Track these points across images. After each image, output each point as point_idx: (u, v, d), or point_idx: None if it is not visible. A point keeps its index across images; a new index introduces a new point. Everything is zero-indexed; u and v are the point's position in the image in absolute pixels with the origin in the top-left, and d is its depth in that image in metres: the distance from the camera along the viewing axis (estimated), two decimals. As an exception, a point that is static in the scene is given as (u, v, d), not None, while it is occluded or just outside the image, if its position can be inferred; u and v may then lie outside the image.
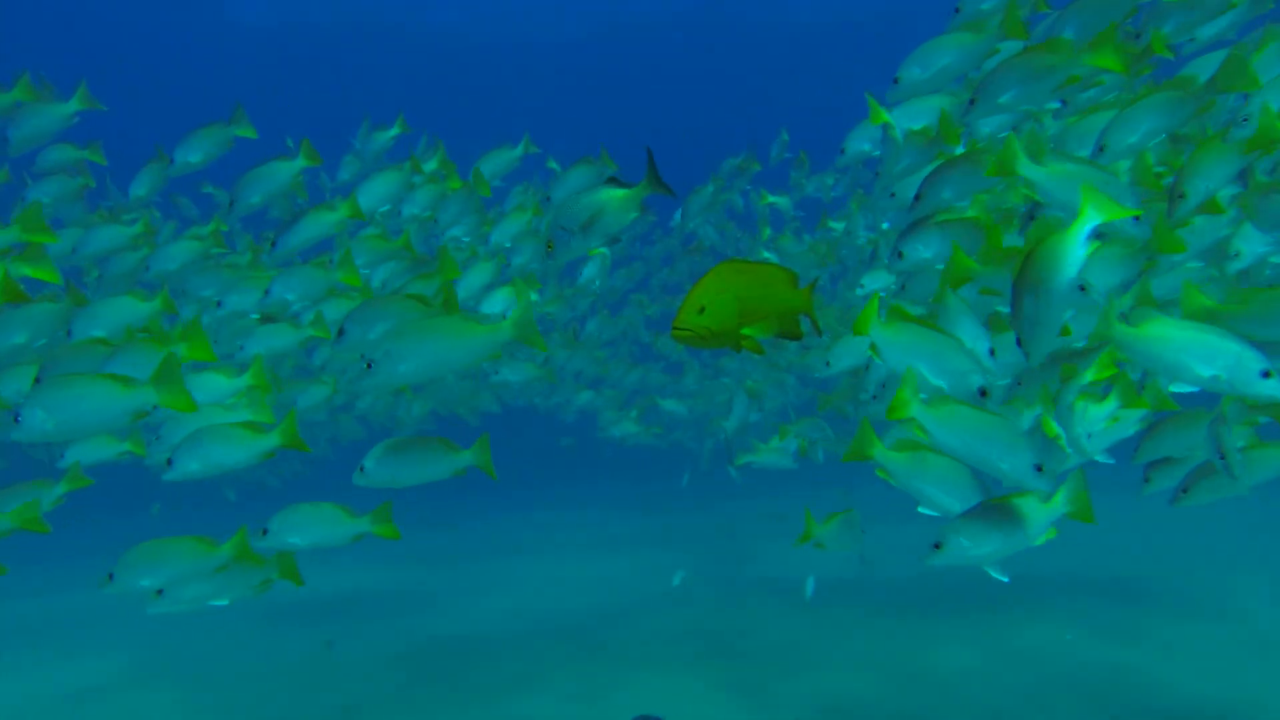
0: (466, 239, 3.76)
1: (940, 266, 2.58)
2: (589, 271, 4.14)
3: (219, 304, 3.15)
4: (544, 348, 2.31)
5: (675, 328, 1.81)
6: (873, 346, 2.13)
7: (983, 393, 2.03)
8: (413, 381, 2.27)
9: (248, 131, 3.23)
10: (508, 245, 3.66)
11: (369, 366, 2.13)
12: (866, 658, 4.53)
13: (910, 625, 5.03)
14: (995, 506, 2.14)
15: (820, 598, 5.59)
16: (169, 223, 4.42)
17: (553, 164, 4.82)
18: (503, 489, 11.80)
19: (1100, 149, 2.36)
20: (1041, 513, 2.15)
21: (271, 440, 2.46)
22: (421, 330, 2.18)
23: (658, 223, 5.88)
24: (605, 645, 5.04)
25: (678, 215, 4.28)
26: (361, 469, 2.42)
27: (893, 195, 2.83)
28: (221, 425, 2.47)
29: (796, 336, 1.98)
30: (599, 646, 5.02)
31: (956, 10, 2.51)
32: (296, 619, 6.11)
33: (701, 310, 1.80)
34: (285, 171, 3.09)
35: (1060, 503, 2.15)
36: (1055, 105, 2.82)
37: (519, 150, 3.94)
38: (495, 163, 3.89)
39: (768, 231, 4.92)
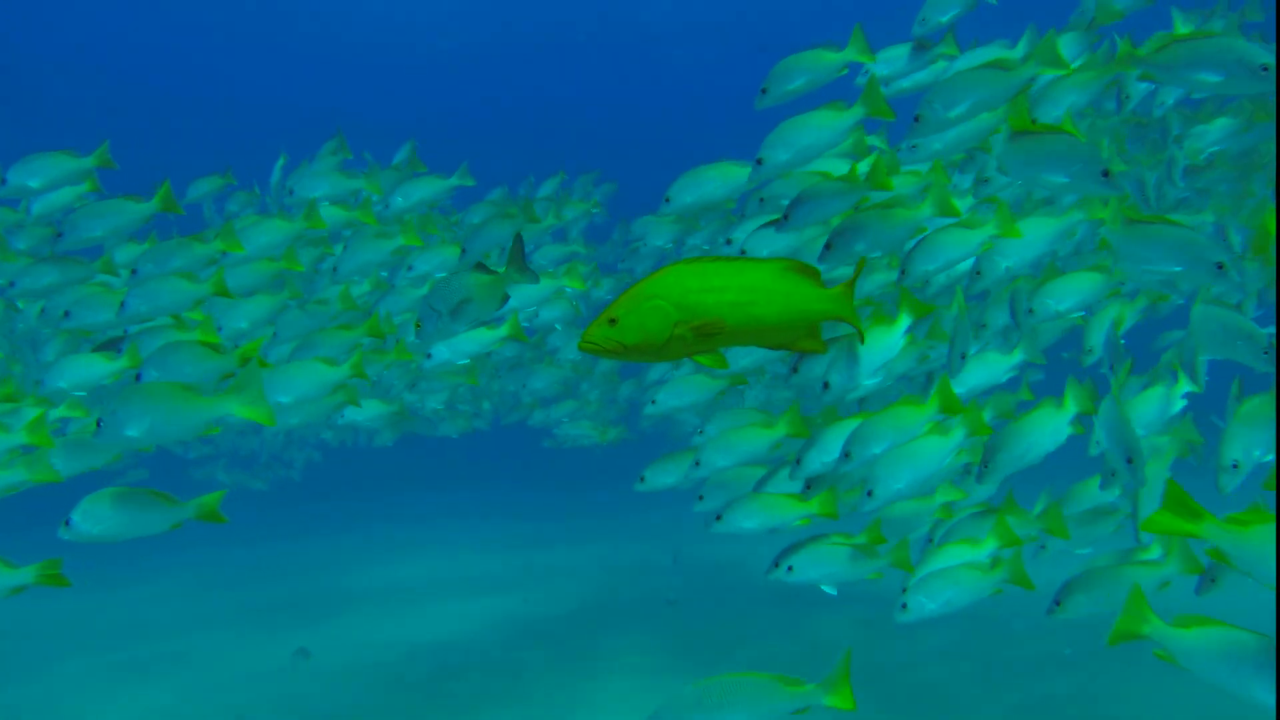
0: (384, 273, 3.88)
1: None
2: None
3: (66, 314, 3.17)
4: (271, 421, 2.40)
5: (581, 339, 1.62)
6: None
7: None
8: (142, 444, 2.40)
9: (105, 164, 3.29)
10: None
11: (98, 425, 2.31)
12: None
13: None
14: (950, 570, 2.51)
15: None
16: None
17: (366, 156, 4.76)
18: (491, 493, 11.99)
19: (916, 119, 2.46)
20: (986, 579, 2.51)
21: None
22: (146, 397, 2.32)
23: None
24: (591, 652, 5.16)
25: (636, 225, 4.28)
26: (67, 523, 2.37)
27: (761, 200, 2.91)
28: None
29: (814, 348, 1.70)
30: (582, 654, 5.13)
31: (917, 119, 2.54)
32: (275, 622, 6.30)
33: (613, 322, 1.58)
34: (132, 212, 3.12)
35: (1001, 573, 2.51)
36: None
37: (453, 180, 3.93)
38: (423, 193, 3.89)
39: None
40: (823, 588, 2.74)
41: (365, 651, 5.52)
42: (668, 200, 2.88)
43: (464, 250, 4.12)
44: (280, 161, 4.96)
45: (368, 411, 4.31)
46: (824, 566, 2.68)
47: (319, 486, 10.78)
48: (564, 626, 5.87)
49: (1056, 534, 2.66)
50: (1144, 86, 3.24)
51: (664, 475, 3.18)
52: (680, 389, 3.19)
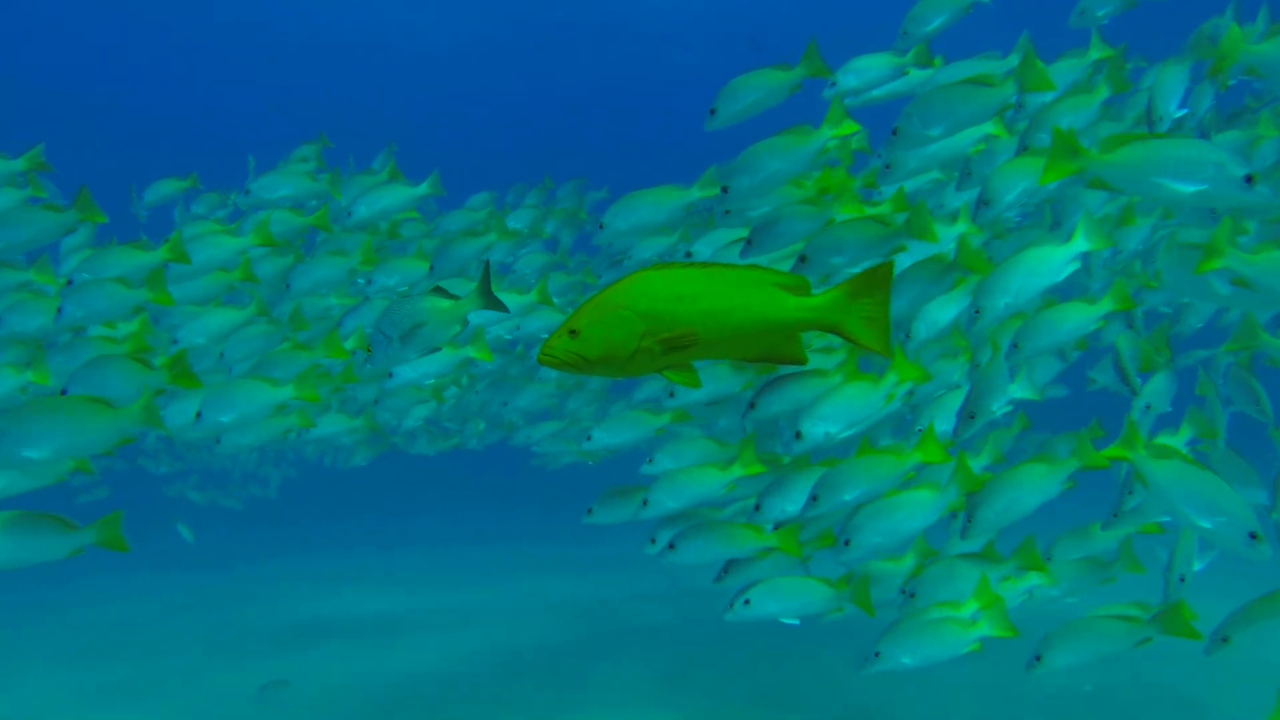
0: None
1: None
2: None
3: None
4: (166, 430, 2.35)
5: (540, 352, 1.53)
6: (1139, 475, 2.02)
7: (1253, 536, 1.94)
8: (43, 460, 2.31)
9: (38, 167, 3.22)
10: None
11: None
12: None
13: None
14: (926, 621, 2.45)
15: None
16: None
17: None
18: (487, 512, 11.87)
19: (893, 132, 2.39)
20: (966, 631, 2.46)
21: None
22: (42, 412, 2.24)
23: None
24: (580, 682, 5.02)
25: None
26: None
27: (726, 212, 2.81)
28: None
29: (793, 360, 1.60)
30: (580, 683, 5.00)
31: (894, 132, 2.48)
32: (249, 649, 6.17)
33: (574, 333, 1.48)
34: (48, 221, 3.04)
35: (984, 625, 2.45)
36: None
37: (422, 188, 3.82)
38: (387, 202, 3.78)
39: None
40: (783, 620, 2.71)
41: (343, 681, 5.39)
42: (602, 226, 2.84)
43: (432, 268, 4.03)
44: (251, 164, 4.88)
45: (331, 428, 4.21)
46: (784, 600, 2.64)
47: (297, 505, 10.68)
48: (550, 657, 5.74)
49: (1042, 578, 2.58)
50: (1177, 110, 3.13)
51: (613, 511, 3.06)
52: (618, 425, 3.08)
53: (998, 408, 2.42)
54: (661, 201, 2.89)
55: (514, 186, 5.75)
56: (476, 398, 5.54)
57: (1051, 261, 2.54)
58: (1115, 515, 2.44)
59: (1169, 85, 2.75)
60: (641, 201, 2.88)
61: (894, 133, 2.46)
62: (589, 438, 3.10)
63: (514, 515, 12.33)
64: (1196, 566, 2.57)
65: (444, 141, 18.49)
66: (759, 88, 2.62)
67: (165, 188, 4.32)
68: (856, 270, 2.69)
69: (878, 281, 1.55)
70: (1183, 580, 2.43)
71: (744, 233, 2.71)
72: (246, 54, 18.58)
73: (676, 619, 6.40)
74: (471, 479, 13.29)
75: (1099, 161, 1.94)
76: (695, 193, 2.90)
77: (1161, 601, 2.49)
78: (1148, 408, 2.64)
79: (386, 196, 3.82)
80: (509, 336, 4.61)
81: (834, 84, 2.85)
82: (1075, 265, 2.59)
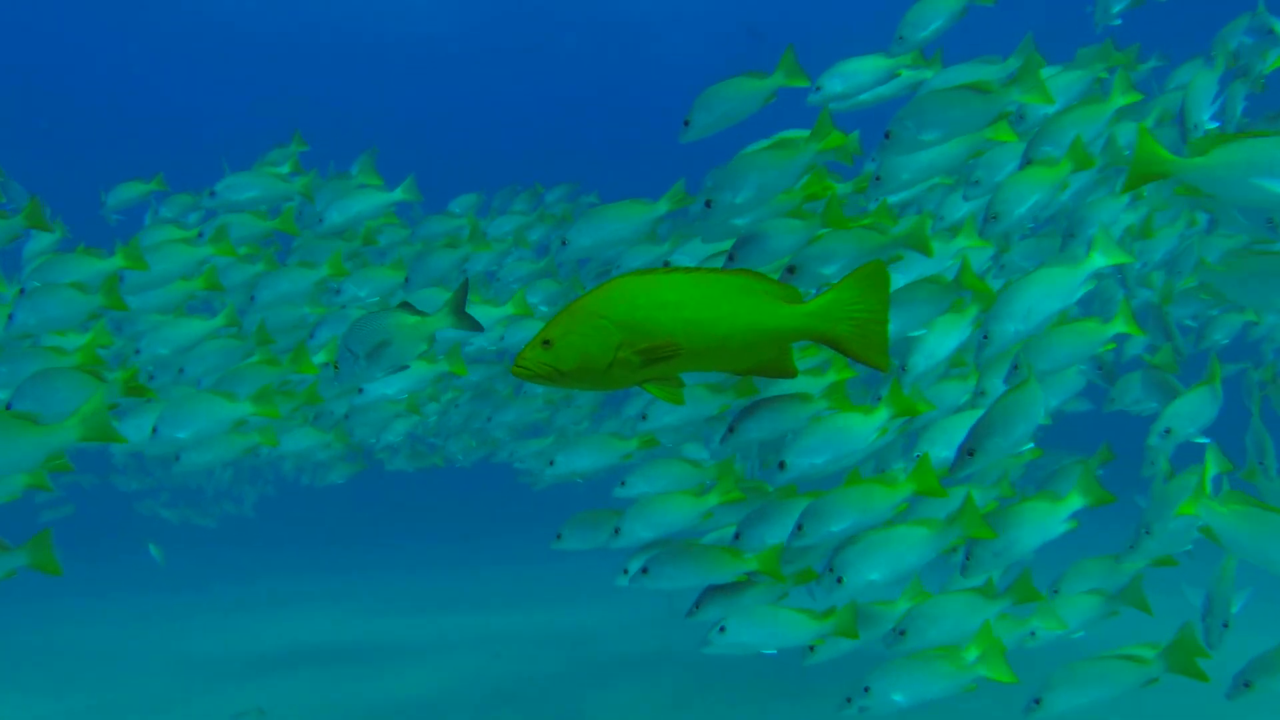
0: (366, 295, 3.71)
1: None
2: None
3: None
4: (121, 439, 2.26)
5: (514, 364, 1.49)
6: (1207, 530, 1.93)
7: None
8: None
9: None
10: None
11: None
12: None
13: None
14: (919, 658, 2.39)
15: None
16: None
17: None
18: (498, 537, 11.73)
19: (886, 135, 2.35)
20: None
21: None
22: None
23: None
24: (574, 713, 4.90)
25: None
26: None
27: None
28: None
29: (782, 373, 1.54)
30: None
31: (887, 135, 2.43)
32: (222, 674, 6.04)
33: (547, 344, 1.42)
34: None
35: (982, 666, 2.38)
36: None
37: (397, 193, 3.76)
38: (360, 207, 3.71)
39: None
40: (763, 651, 2.62)
41: (322, 710, 5.26)
42: (564, 244, 2.83)
43: (408, 279, 3.94)
44: (225, 167, 4.81)
45: (302, 444, 4.11)
46: (762, 628, 2.55)
47: (274, 524, 10.52)
48: (541, 684, 5.60)
49: (1044, 618, 2.51)
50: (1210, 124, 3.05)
51: (583, 537, 2.98)
52: (582, 450, 3.00)
53: (1004, 451, 2.28)
54: (626, 217, 2.84)
55: (500, 191, 5.65)
56: (460, 413, 5.43)
57: (1065, 282, 2.44)
58: (1132, 548, 2.32)
59: (1201, 92, 2.68)
60: (605, 217, 2.84)
61: (887, 136, 2.37)
62: (551, 463, 3.01)
63: (500, 536, 12.19)
64: (1234, 608, 2.44)
65: (434, 140, 18.40)
66: (733, 97, 2.57)
67: (130, 190, 4.25)
68: None
69: (872, 284, 1.46)
70: (1226, 627, 2.31)
71: (726, 246, 2.63)
72: (230, 51, 18.58)
73: (675, 645, 6.25)
74: (455, 498, 13.16)
75: (1190, 166, 1.81)
76: (662, 207, 2.87)
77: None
78: (1167, 431, 2.50)
79: (359, 202, 3.73)
80: (493, 348, 4.51)
81: (818, 89, 2.77)
82: (1090, 285, 2.50)
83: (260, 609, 7.82)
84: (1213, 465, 2.06)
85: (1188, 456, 2.45)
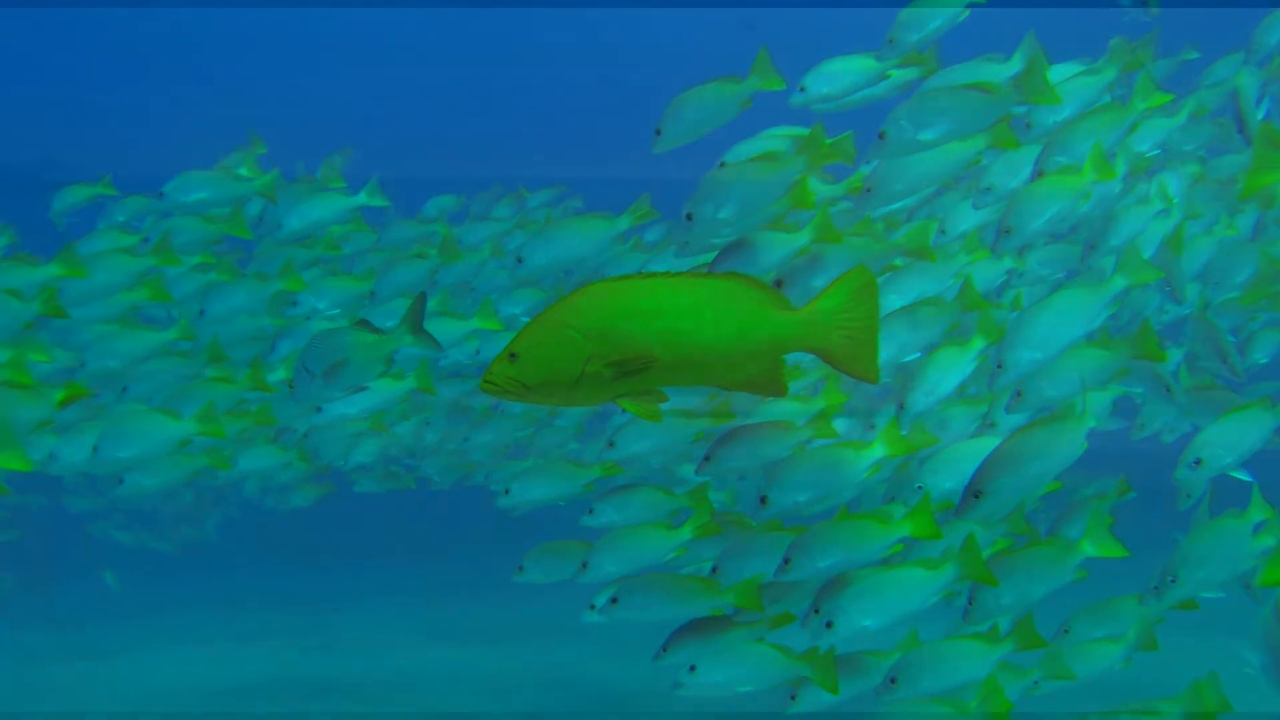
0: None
1: None
2: None
3: None
4: (28, 466, 2.22)
5: (482, 379, 1.44)
6: None
7: None
8: None
9: None
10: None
11: None
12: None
13: None
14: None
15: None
16: None
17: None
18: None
19: (880, 135, 2.30)
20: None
21: None
22: None
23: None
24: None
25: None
26: None
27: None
28: None
29: (773, 389, 1.48)
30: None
31: (881, 135, 2.38)
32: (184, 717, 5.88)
33: (513, 357, 1.37)
34: None
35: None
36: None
37: (359, 197, 3.70)
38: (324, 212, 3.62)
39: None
40: (739, 690, 2.52)
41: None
42: (520, 261, 2.83)
43: (374, 293, 3.85)
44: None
45: (261, 463, 3.99)
46: (735, 667, 2.43)
47: (237, 549, 10.30)
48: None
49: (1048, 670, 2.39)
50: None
51: (548, 570, 2.93)
52: (537, 479, 2.91)
53: (1018, 492, 2.15)
54: (586, 233, 2.79)
55: (479, 195, 5.54)
56: (435, 431, 5.31)
57: (1086, 306, 2.33)
58: (1155, 590, 2.20)
59: (1249, 92, 2.66)
60: (564, 233, 2.80)
61: (881, 137, 2.28)
62: (506, 492, 2.93)
63: (475, 563, 11.96)
64: None
65: (420, 135, 18.30)
66: (706, 104, 2.51)
67: (75, 194, 4.14)
68: None
69: (859, 291, 1.41)
70: None
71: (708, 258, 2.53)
72: (212, 48, 18.58)
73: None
74: (430, 521, 12.98)
75: None
76: (624, 222, 2.82)
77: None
78: (1197, 462, 2.34)
79: (318, 207, 3.62)
80: (470, 363, 4.39)
81: (803, 89, 2.68)
82: (1114, 309, 2.41)
83: (219, 643, 7.60)
84: (1256, 512, 1.93)
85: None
